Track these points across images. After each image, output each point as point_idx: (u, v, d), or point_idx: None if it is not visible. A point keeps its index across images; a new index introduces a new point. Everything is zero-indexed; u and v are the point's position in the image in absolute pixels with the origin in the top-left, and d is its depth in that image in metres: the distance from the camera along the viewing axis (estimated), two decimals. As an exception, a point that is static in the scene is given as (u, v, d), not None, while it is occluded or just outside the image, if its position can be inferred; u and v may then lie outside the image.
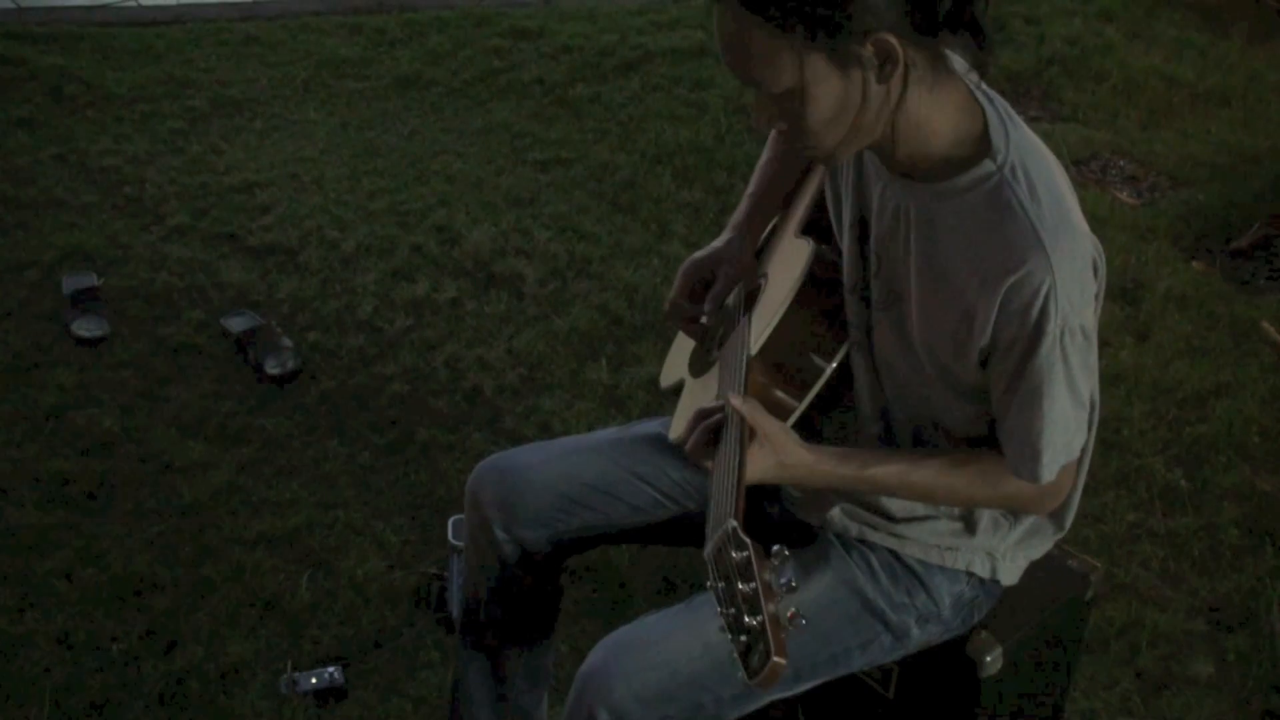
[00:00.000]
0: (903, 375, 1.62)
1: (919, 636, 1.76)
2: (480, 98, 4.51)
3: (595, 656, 1.67)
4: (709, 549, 1.37)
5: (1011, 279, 1.42)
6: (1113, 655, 2.44)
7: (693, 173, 4.04)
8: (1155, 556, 2.67)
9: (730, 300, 1.92)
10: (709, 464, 1.54)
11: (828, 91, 1.39)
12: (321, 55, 4.73)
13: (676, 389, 1.98)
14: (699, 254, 1.90)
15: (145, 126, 4.17)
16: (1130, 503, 2.80)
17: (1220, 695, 2.38)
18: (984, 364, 1.52)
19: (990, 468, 1.59)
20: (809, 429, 1.68)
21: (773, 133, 1.95)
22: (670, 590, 2.56)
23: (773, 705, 1.74)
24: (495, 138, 4.25)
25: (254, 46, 4.76)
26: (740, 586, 1.27)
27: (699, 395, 1.82)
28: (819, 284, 1.67)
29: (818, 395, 1.66)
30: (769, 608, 1.24)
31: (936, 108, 1.45)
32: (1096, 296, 1.51)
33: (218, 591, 2.50)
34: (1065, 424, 1.51)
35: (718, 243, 1.91)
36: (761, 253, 1.94)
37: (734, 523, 1.34)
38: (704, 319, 1.88)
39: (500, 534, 1.89)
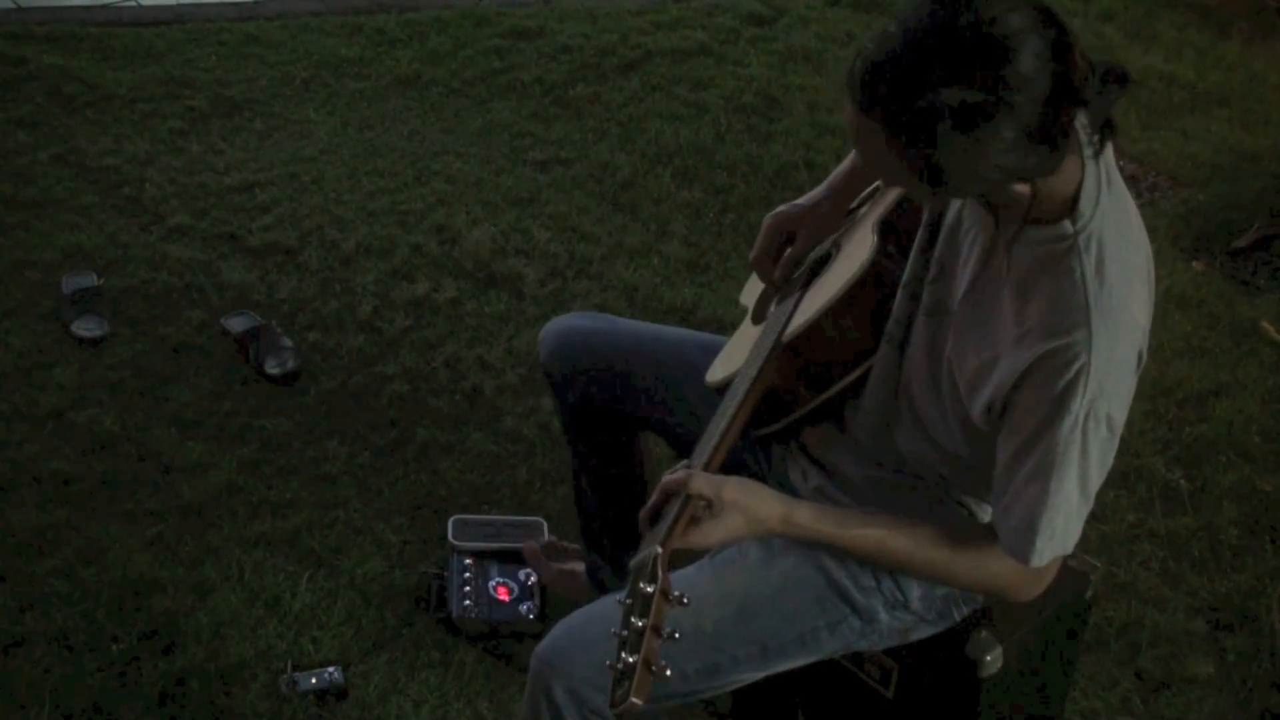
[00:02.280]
0: (921, 382, 1.61)
1: (889, 622, 1.76)
2: (480, 98, 4.51)
3: (552, 634, 1.68)
4: (635, 560, 1.42)
5: (1049, 345, 1.40)
6: (1113, 655, 2.44)
7: (693, 173, 4.04)
8: (1155, 556, 2.67)
9: (808, 260, 1.92)
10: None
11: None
12: (321, 55, 4.73)
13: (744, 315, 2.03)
14: (786, 208, 1.91)
15: (145, 126, 4.17)
16: (1130, 503, 2.80)
17: (1220, 695, 2.38)
18: (990, 421, 1.49)
19: (975, 548, 1.57)
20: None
21: None
22: (670, 590, 2.57)
23: (768, 699, 1.75)
24: (495, 138, 4.25)
25: (254, 46, 4.76)
26: (633, 620, 1.33)
27: (745, 343, 1.85)
28: (867, 290, 1.66)
29: (834, 393, 1.68)
30: (647, 648, 1.31)
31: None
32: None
33: (218, 591, 2.50)
34: (1067, 513, 1.48)
35: (807, 200, 1.91)
36: (849, 217, 1.92)
37: (659, 549, 1.39)
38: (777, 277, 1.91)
39: (557, 378, 2.10)
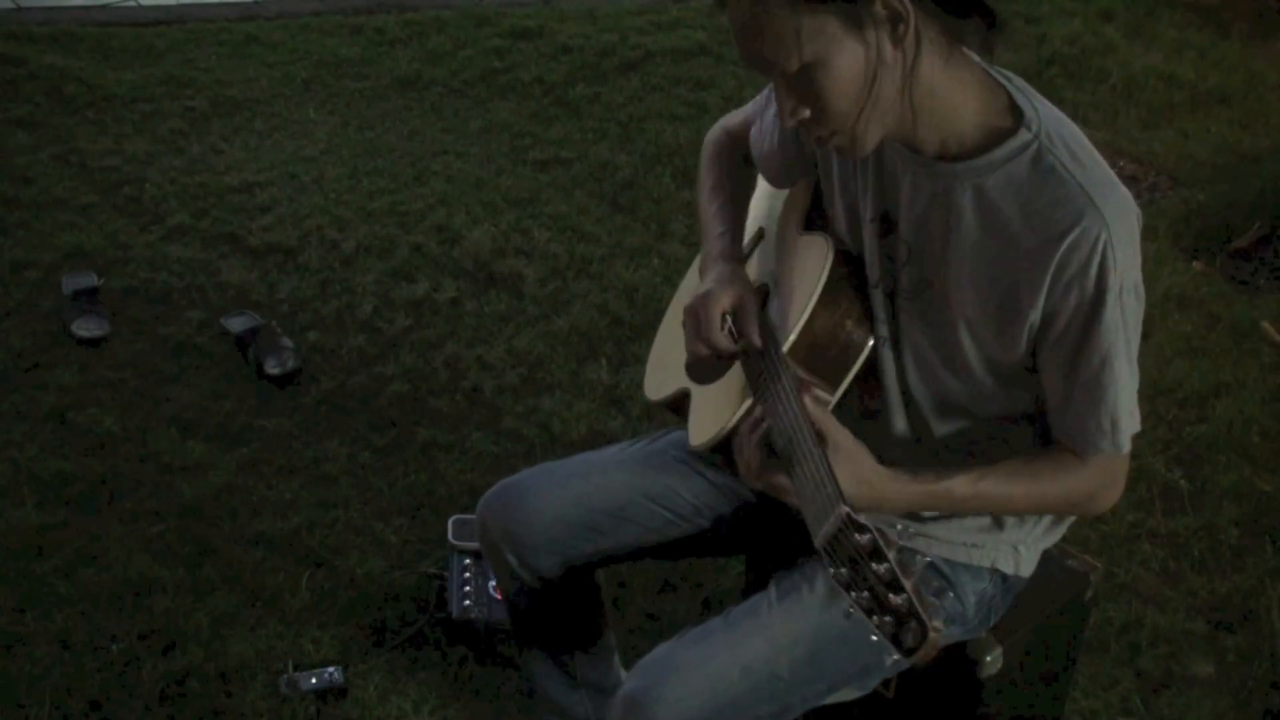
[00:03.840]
0: (933, 365, 1.61)
1: (944, 638, 1.75)
2: (480, 98, 4.51)
3: (634, 682, 1.66)
4: (820, 538, 1.35)
5: (1066, 241, 1.43)
6: (1113, 655, 2.44)
7: (693, 173, 4.01)
8: (1155, 556, 2.67)
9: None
10: (779, 479, 1.49)
11: (844, 59, 1.40)
12: (321, 55, 4.73)
13: (673, 401, 1.92)
14: (707, 291, 1.74)
15: (145, 126, 4.17)
16: (1130, 503, 2.80)
17: (1220, 695, 2.38)
18: (1034, 346, 1.51)
19: (1054, 467, 1.58)
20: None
21: (713, 179, 1.89)
22: (670, 590, 2.56)
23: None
24: (495, 138, 4.26)
25: (254, 46, 4.77)
26: (874, 567, 1.26)
27: (717, 401, 1.77)
28: (841, 276, 1.66)
29: (847, 389, 1.65)
30: (909, 583, 1.24)
31: (955, 84, 1.46)
32: None
33: (218, 591, 2.50)
34: (1129, 390, 1.52)
35: (717, 274, 1.77)
36: (751, 256, 1.92)
37: (846, 508, 1.32)
38: (754, 344, 1.75)
39: (512, 560, 1.90)
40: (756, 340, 1.68)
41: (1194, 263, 3.70)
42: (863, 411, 1.72)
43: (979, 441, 1.67)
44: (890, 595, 1.24)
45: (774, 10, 1.38)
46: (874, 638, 1.25)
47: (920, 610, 1.22)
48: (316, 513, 2.71)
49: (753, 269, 1.89)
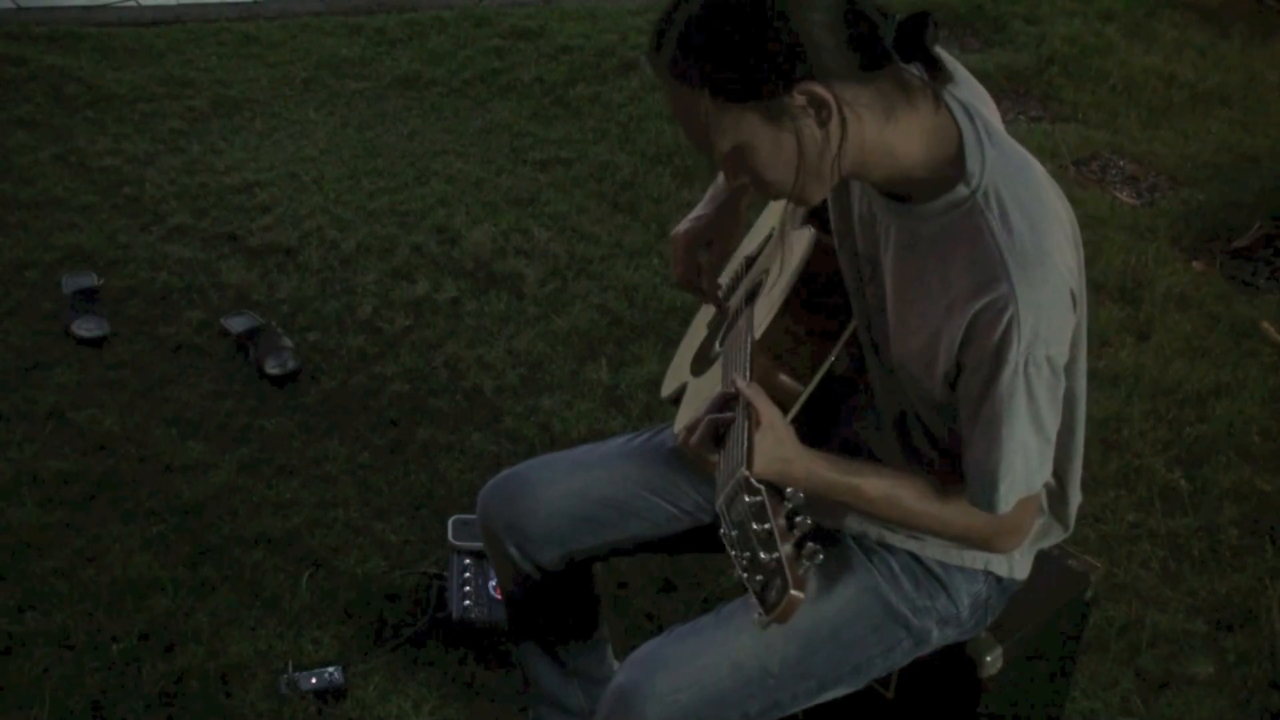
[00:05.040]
0: (898, 377, 1.62)
1: (938, 639, 1.76)
2: (480, 98, 4.51)
3: (624, 675, 1.67)
4: (720, 500, 1.37)
5: (977, 305, 1.41)
6: (1113, 655, 2.44)
7: (693, 173, 4.04)
8: (1155, 556, 2.67)
9: (733, 300, 1.91)
10: (711, 455, 1.51)
11: (768, 145, 1.42)
12: (321, 55, 4.73)
13: (677, 396, 1.96)
14: (691, 224, 1.91)
15: (145, 126, 4.17)
16: (1130, 503, 2.80)
17: (1220, 695, 2.38)
18: (952, 387, 1.51)
19: (960, 496, 1.58)
20: (830, 424, 1.68)
21: None
22: (670, 590, 2.56)
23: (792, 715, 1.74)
24: (495, 138, 4.26)
25: (254, 46, 4.77)
26: (754, 527, 1.28)
27: (703, 392, 1.80)
28: (821, 270, 1.66)
29: (826, 381, 1.65)
30: (784, 546, 1.24)
31: (901, 135, 1.44)
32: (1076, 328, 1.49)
33: (218, 591, 2.50)
34: (1026, 455, 1.49)
35: (705, 209, 1.92)
36: (761, 253, 1.93)
37: (745, 471, 1.35)
38: (726, 279, 1.89)
39: (513, 552, 1.91)
40: (721, 281, 1.84)
41: (1194, 263, 3.70)
42: (858, 413, 1.73)
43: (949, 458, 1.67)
44: (762, 554, 1.25)
45: (696, 102, 1.40)
46: (752, 599, 1.26)
47: (786, 570, 1.22)
48: (316, 513, 2.71)
49: (767, 255, 1.91)
